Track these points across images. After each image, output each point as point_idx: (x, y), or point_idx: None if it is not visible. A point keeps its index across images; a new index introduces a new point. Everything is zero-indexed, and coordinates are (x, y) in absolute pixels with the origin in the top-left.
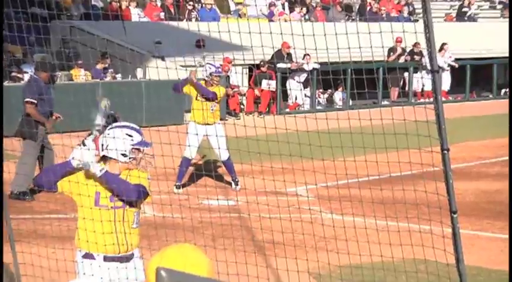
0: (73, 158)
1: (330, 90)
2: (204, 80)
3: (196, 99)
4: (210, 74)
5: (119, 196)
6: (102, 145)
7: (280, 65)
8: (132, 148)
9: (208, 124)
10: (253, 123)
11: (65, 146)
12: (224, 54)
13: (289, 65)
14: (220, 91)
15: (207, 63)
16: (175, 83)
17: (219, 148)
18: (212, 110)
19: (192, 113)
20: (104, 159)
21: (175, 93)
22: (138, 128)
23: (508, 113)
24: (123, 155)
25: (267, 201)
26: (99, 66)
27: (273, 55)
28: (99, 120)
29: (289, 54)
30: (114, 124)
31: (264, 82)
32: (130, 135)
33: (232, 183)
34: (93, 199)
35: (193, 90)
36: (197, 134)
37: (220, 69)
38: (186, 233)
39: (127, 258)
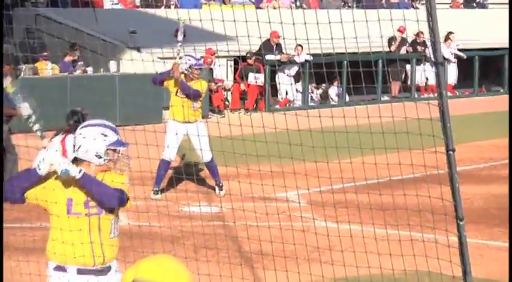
0: (40, 162)
1: (323, 85)
2: (183, 73)
3: (175, 94)
4: (190, 66)
5: (98, 201)
6: (74, 146)
7: (268, 57)
8: (107, 149)
9: (189, 122)
10: (239, 121)
11: (30, 148)
12: (206, 45)
13: (278, 57)
14: (202, 86)
15: (187, 55)
16: (155, 76)
17: (201, 149)
18: (194, 107)
19: (171, 110)
20: (76, 162)
21: (154, 85)
22: (113, 126)
23: (508, 111)
24: (97, 156)
25: (255, 207)
26: (68, 58)
27: (260, 46)
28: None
29: (278, 45)
30: (86, 122)
31: (251, 76)
32: (104, 135)
33: (216, 188)
34: (65, 206)
35: (172, 85)
36: (177, 134)
37: (201, 62)
38: (164, 244)
39: (103, 272)
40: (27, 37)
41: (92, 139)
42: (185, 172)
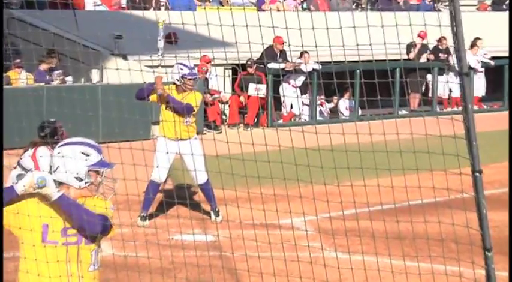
0: (17, 180)
1: (333, 97)
2: (174, 84)
3: (165, 108)
4: (183, 76)
5: (79, 228)
6: (50, 167)
7: (272, 65)
8: (89, 170)
9: (181, 139)
10: (238, 138)
11: (4, 167)
12: (201, 52)
13: (282, 66)
14: (196, 99)
15: (179, 64)
16: (140, 88)
17: (195, 169)
18: (187, 122)
19: (161, 126)
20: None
21: (139, 100)
22: (95, 144)
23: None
24: (77, 178)
25: (255, 236)
26: (44, 66)
27: (262, 53)
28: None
29: (282, 52)
30: (66, 140)
31: (252, 87)
32: (86, 154)
33: (212, 214)
34: (39, 234)
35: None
36: (168, 152)
37: (195, 71)
38: (153, 277)
39: None
40: None
41: (71, 159)
42: (177, 195)
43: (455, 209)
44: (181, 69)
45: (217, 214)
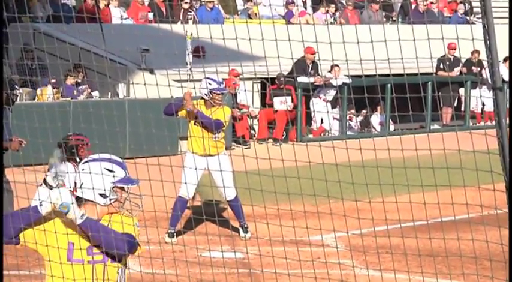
0: (41, 202)
1: (364, 111)
2: (202, 98)
3: (194, 124)
4: (211, 91)
5: (105, 249)
6: (75, 184)
7: (301, 79)
8: (114, 186)
9: (210, 155)
10: (267, 153)
11: (29, 184)
12: (230, 66)
13: (312, 80)
14: (225, 114)
15: (207, 78)
16: (168, 104)
17: (223, 186)
18: (216, 138)
19: (190, 142)
20: (78, 201)
21: (167, 116)
22: (120, 161)
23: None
24: (101, 195)
25: (285, 253)
26: (70, 81)
27: (292, 66)
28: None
29: (314, 63)
30: (91, 157)
31: (277, 100)
32: (110, 170)
33: (241, 230)
34: (65, 252)
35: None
36: (196, 169)
37: (223, 86)
38: None
39: None
40: (24, 57)
41: (96, 175)
42: (205, 212)
43: (488, 225)
44: (210, 84)
45: (246, 230)
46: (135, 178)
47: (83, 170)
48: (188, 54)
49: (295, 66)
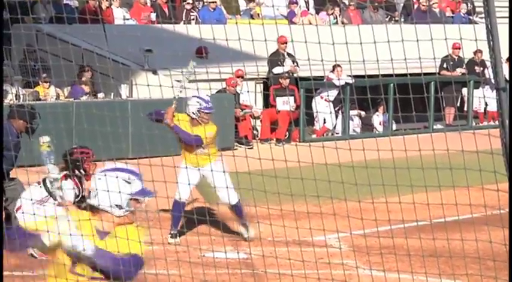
0: (47, 232)
1: (365, 112)
2: (189, 116)
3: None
4: (198, 110)
5: (113, 278)
6: (89, 192)
7: (276, 70)
8: (131, 198)
9: (203, 166)
10: (270, 153)
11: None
12: (232, 67)
13: (286, 69)
14: (206, 131)
15: (196, 96)
16: (154, 110)
17: (217, 189)
18: (201, 152)
19: (182, 154)
20: (93, 209)
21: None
22: (137, 171)
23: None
24: (117, 206)
25: (288, 253)
26: (80, 82)
27: (268, 60)
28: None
29: (290, 55)
30: (107, 166)
31: (279, 100)
32: (128, 182)
33: (244, 231)
34: (70, 263)
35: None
36: (189, 179)
37: (211, 105)
38: None
39: None
40: (27, 58)
41: (113, 186)
42: (208, 213)
43: (492, 225)
44: (198, 103)
45: (248, 230)
46: (151, 190)
47: (99, 179)
48: (178, 88)
49: (270, 58)
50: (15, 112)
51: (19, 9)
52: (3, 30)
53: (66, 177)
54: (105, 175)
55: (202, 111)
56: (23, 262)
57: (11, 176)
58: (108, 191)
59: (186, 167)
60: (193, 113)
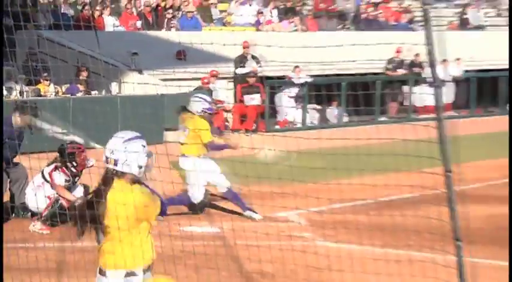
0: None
1: (320, 106)
2: (194, 114)
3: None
4: (203, 110)
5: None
6: (116, 161)
7: (239, 71)
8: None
9: (183, 155)
10: (240, 142)
11: (32, 170)
12: (207, 67)
13: (248, 70)
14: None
15: (201, 97)
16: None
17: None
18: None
19: (191, 148)
20: (121, 175)
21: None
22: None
23: (508, 122)
24: (139, 167)
25: (255, 227)
26: (79, 83)
27: (236, 60)
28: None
29: (254, 58)
30: (126, 137)
31: (247, 97)
32: (144, 146)
33: (252, 214)
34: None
35: (190, 123)
36: (212, 169)
37: (212, 107)
38: (165, 264)
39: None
40: (30, 59)
41: (136, 152)
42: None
43: (429, 203)
44: (203, 104)
45: (254, 212)
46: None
47: (125, 148)
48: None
49: (235, 60)
50: (20, 107)
51: (22, 17)
52: (3, 35)
53: (56, 168)
54: (130, 144)
55: (206, 112)
56: (25, 236)
57: (14, 162)
58: (134, 157)
59: (200, 158)
60: (197, 111)
